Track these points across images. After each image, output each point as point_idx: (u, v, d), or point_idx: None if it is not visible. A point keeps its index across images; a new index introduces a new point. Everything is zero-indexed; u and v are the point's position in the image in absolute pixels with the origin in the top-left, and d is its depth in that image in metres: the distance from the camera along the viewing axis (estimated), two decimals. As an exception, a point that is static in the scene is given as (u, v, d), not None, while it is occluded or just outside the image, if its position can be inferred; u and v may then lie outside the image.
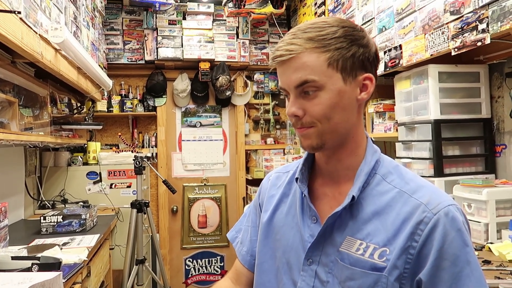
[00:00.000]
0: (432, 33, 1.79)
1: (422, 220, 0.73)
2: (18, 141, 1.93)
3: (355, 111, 0.80)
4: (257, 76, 3.95)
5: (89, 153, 3.31)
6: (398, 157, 2.14)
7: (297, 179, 0.87)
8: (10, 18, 1.44)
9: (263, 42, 3.91)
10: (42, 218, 2.20)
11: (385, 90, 2.53)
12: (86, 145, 3.33)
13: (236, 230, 1.07)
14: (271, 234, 0.91)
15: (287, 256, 0.85)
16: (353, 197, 0.78)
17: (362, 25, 2.40)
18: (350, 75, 0.77)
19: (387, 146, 3.00)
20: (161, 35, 3.62)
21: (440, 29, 1.74)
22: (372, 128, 2.49)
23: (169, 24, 3.65)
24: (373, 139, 2.43)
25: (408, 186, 0.78)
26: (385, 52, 2.15)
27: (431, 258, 0.71)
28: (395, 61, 2.05)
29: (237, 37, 3.78)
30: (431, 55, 1.81)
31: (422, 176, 1.94)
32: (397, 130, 2.18)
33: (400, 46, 2.01)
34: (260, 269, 0.91)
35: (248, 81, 3.97)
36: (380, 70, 2.20)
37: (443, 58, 1.85)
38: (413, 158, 2.01)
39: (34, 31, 1.70)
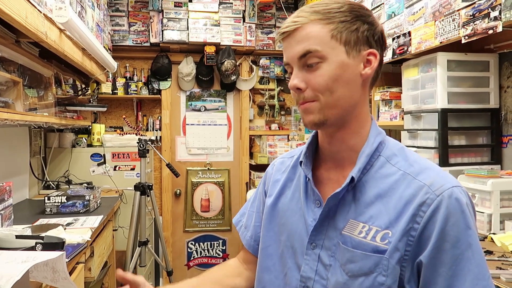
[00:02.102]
0: (442, 20, 1.75)
1: (425, 202, 0.72)
2: (22, 121, 1.93)
3: (359, 87, 0.79)
4: (263, 61, 3.91)
5: (93, 135, 3.31)
6: (403, 146, 2.13)
7: (301, 162, 0.86)
8: (14, -4, 1.42)
9: (269, 27, 3.86)
10: (46, 198, 2.22)
11: (392, 77, 2.50)
12: (90, 127, 3.33)
13: (240, 214, 1.08)
14: (275, 219, 0.91)
15: (291, 240, 0.85)
16: (353, 178, 0.77)
17: (371, 10, 2.35)
18: (353, 49, 0.77)
19: (392, 135, 2.99)
20: (166, 18, 3.58)
21: (451, 16, 1.70)
22: (378, 116, 2.47)
23: (175, 6, 3.61)
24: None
25: (412, 168, 0.77)
26: (393, 39, 2.11)
27: (432, 240, 0.70)
28: (404, 48, 2.02)
29: (244, 21, 3.73)
30: (441, 42, 1.77)
31: (426, 165, 1.94)
32: (403, 118, 2.16)
33: (409, 33, 1.97)
34: (264, 253, 0.92)
35: (253, 66, 3.94)
36: (388, 57, 2.17)
37: (453, 46, 1.81)
38: (418, 147, 1.99)
39: (38, 10, 1.68)
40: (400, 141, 2.19)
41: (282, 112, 4.01)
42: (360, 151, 0.80)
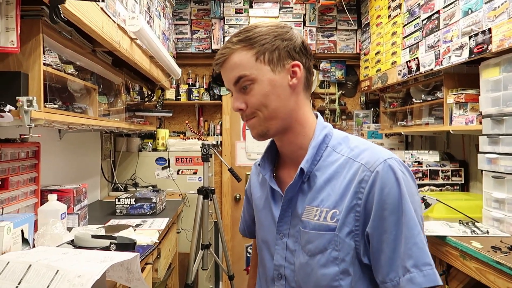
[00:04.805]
0: (529, 14, 1.60)
1: (363, 179, 0.82)
2: (97, 126, 2.04)
3: (290, 96, 0.89)
4: (323, 65, 3.84)
5: (158, 139, 3.43)
6: (481, 152, 1.96)
7: (259, 165, 1.00)
8: (93, 9, 1.51)
9: (330, 30, 3.79)
10: (116, 200, 2.32)
11: (467, 78, 2.33)
12: (155, 132, 3.45)
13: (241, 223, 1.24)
14: (257, 218, 1.05)
15: (265, 235, 0.98)
16: (302, 169, 0.87)
17: (443, 8, 2.22)
18: (278, 65, 0.88)
19: (466, 140, 2.79)
20: (227, 24, 3.64)
21: (540, 10, 1.55)
22: (451, 120, 2.31)
23: (236, 12, 3.66)
24: (451, 131, 2.23)
25: (353, 152, 0.88)
26: (470, 37, 1.97)
27: (373, 211, 0.80)
28: (483, 47, 1.87)
29: (304, 24, 3.69)
30: (528, 39, 1.62)
31: (509, 173, 1.77)
32: (480, 122, 2.00)
33: (490, 30, 1.82)
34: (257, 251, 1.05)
35: (314, 70, 3.87)
36: (464, 56, 2.02)
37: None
38: (500, 154, 1.83)
39: (112, 20, 1.77)
40: (477, 147, 2.03)
41: (343, 117, 3.91)
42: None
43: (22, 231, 1.29)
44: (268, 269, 0.97)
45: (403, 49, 2.75)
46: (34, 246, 1.37)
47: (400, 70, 2.78)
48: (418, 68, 2.52)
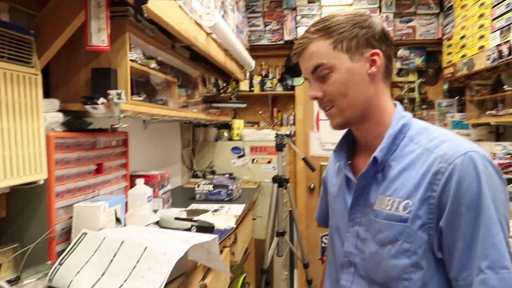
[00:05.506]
0: None
1: (439, 171, 0.79)
2: (177, 117, 2.17)
3: (369, 84, 0.88)
4: (401, 52, 3.66)
5: (233, 129, 3.55)
6: None
7: (335, 152, 0.99)
8: (172, 7, 1.61)
9: (409, 15, 3.59)
10: (196, 186, 2.45)
11: None
12: (231, 122, 3.57)
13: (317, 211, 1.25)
14: (330, 206, 1.06)
15: (337, 222, 0.99)
16: (375, 157, 0.86)
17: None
18: (356, 53, 0.87)
19: None
20: (300, 14, 3.62)
21: None
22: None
23: (308, 2, 3.62)
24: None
25: (432, 143, 0.84)
26: None
27: (448, 205, 0.77)
28: None
29: (380, 10, 3.54)
30: None
31: None
32: None
33: None
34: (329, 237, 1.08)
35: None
36: None
37: None
38: None
39: (190, 16, 1.86)
40: None
41: (424, 106, 3.70)
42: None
43: (115, 211, 1.43)
44: (338, 255, 0.98)
45: (492, 32, 2.53)
46: (125, 225, 1.52)
47: (489, 55, 2.56)
48: (510, 53, 2.30)
